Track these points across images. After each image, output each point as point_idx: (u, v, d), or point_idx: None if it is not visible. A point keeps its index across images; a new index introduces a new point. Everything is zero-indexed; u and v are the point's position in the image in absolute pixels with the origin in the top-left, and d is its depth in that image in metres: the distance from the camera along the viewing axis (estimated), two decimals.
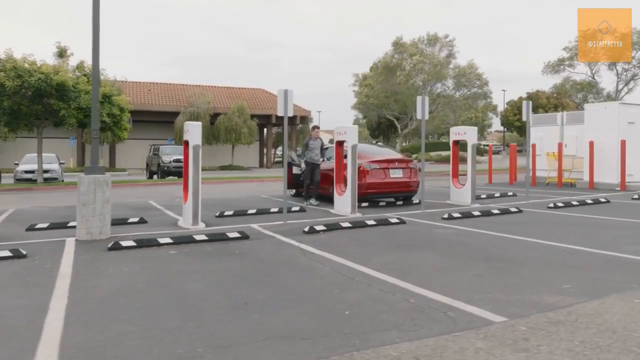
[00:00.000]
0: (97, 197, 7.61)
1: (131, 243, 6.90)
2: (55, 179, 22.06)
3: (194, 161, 8.86)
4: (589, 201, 11.56)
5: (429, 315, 3.85)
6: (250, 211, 10.54)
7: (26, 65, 18.85)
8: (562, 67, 26.46)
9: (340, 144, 10.84)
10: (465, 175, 11.81)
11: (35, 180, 20.61)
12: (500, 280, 4.92)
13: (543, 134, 18.73)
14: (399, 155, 12.50)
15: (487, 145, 26.30)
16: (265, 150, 45.76)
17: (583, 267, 5.40)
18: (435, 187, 15.90)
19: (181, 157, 25.60)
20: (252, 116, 40.77)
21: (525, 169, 19.42)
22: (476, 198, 13.10)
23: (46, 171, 21.61)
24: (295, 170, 13.36)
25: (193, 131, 8.91)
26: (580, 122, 16.78)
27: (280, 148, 52.56)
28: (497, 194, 13.75)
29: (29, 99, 18.99)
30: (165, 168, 24.41)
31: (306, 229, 8.07)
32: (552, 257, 5.92)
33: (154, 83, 42.81)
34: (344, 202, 10.39)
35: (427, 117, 11.04)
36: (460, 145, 12.63)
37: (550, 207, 10.81)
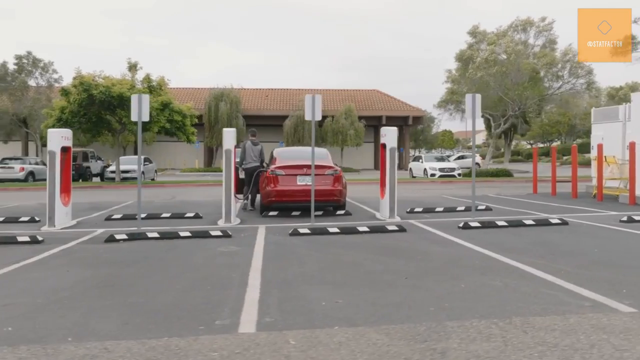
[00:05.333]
0: None
1: None
2: (135, 178, 25.05)
3: (50, 165, 9.38)
4: (529, 222, 8.87)
5: None
6: (115, 216, 10.72)
7: (101, 80, 21.92)
8: (634, 43, 19.73)
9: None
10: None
11: (114, 179, 23.78)
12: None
13: (604, 133, 14.80)
14: (319, 161, 11.18)
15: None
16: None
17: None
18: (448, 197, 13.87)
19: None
20: (361, 117, 40.44)
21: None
22: (430, 211, 11.19)
23: (127, 171, 24.74)
24: (243, 174, 12.99)
25: (51, 136, 9.45)
26: None
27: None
28: (462, 208, 11.42)
29: (105, 109, 22.01)
30: None
31: (106, 238, 7.95)
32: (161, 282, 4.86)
33: (271, 89, 45.39)
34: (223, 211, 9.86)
35: (318, 117, 9.78)
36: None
37: (459, 227, 8.62)
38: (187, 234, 8.15)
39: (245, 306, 4.26)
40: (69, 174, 10.10)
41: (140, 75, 23.21)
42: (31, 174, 25.44)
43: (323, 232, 8.30)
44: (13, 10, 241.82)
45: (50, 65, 36.06)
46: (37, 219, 10.34)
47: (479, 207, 11.49)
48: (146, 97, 9.34)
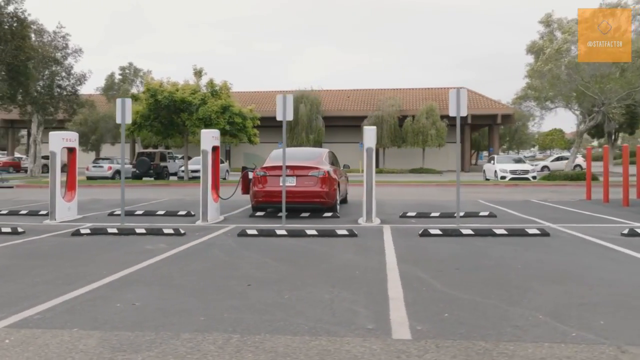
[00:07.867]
0: None
1: None
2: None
3: (52, 165, 10.31)
4: (500, 232, 7.85)
5: None
6: (117, 212, 11.33)
7: (168, 86, 23.61)
8: None
9: (214, 149, 10.55)
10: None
11: (182, 178, 25.42)
12: None
13: None
14: (305, 162, 10.91)
15: None
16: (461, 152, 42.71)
17: None
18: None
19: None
20: (444, 117, 38.74)
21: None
22: (424, 216, 10.43)
23: (196, 171, 26.29)
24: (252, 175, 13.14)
25: (52, 138, 10.37)
26: None
27: (483, 152, 48.00)
28: (461, 214, 10.41)
29: (172, 112, 23.67)
30: None
31: (72, 232, 8.57)
32: None
33: (353, 90, 45.23)
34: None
35: (289, 117, 9.57)
36: None
37: (419, 235, 7.94)
38: (142, 231, 8.48)
39: (46, 302, 4.36)
40: (74, 173, 11.02)
41: (204, 81, 24.57)
42: (118, 172, 28.23)
43: (270, 234, 8.15)
44: (155, 26, 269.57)
45: (149, 73, 39.60)
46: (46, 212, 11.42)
47: (481, 214, 10.52)
48: (128, 101, 9.86)
